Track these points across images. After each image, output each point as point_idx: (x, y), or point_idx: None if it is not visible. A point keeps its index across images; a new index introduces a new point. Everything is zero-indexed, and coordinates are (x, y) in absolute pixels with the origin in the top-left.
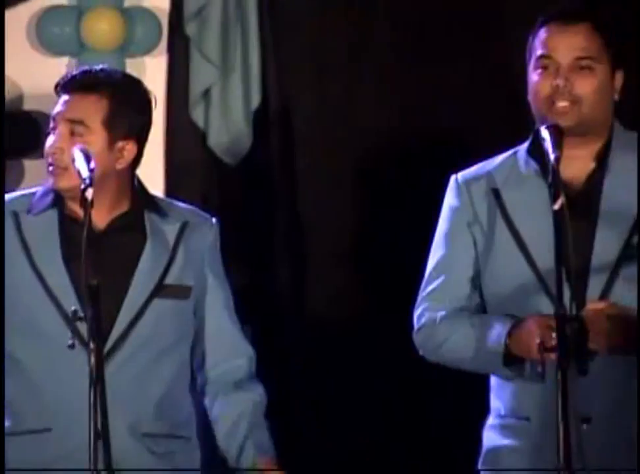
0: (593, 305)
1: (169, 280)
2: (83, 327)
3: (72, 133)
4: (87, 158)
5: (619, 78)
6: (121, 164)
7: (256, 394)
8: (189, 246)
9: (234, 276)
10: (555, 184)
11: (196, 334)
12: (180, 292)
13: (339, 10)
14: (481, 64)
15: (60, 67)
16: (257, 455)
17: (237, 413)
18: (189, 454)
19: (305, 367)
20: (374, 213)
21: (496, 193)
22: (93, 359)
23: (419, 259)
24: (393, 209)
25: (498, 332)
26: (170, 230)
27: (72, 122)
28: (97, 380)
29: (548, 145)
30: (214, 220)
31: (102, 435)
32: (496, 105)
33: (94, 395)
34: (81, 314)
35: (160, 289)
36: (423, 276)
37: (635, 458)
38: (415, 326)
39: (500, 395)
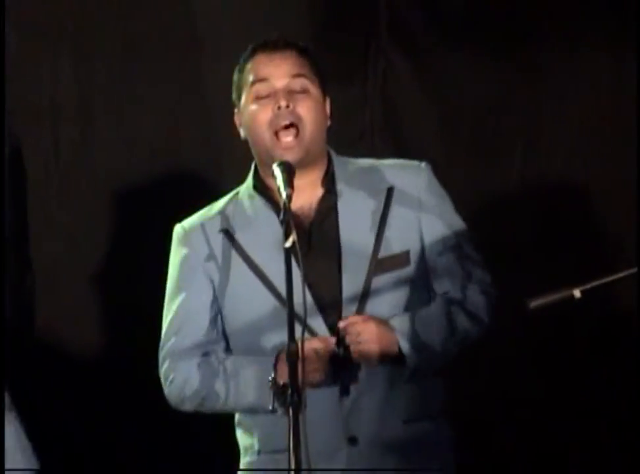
0: (344, 320)
1: None
2: None
3: None
4: None
5: (328, 105)
6: None
7: None
8: None
9: None
10: (287, 222)
11: None
12: None
13: (66, 50)
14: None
15: None
16: None
17: None
18: None
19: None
20: (114, 255)
21: (227, 233)
22: None
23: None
24: (130, 244)
25: (262, 367)
26: None
27: None
28: None
29: (280, 182)
30: None
31: None
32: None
33: None
34: None
35: None
36: None
37: None
38: (166, 381)
39: (253, 432)
